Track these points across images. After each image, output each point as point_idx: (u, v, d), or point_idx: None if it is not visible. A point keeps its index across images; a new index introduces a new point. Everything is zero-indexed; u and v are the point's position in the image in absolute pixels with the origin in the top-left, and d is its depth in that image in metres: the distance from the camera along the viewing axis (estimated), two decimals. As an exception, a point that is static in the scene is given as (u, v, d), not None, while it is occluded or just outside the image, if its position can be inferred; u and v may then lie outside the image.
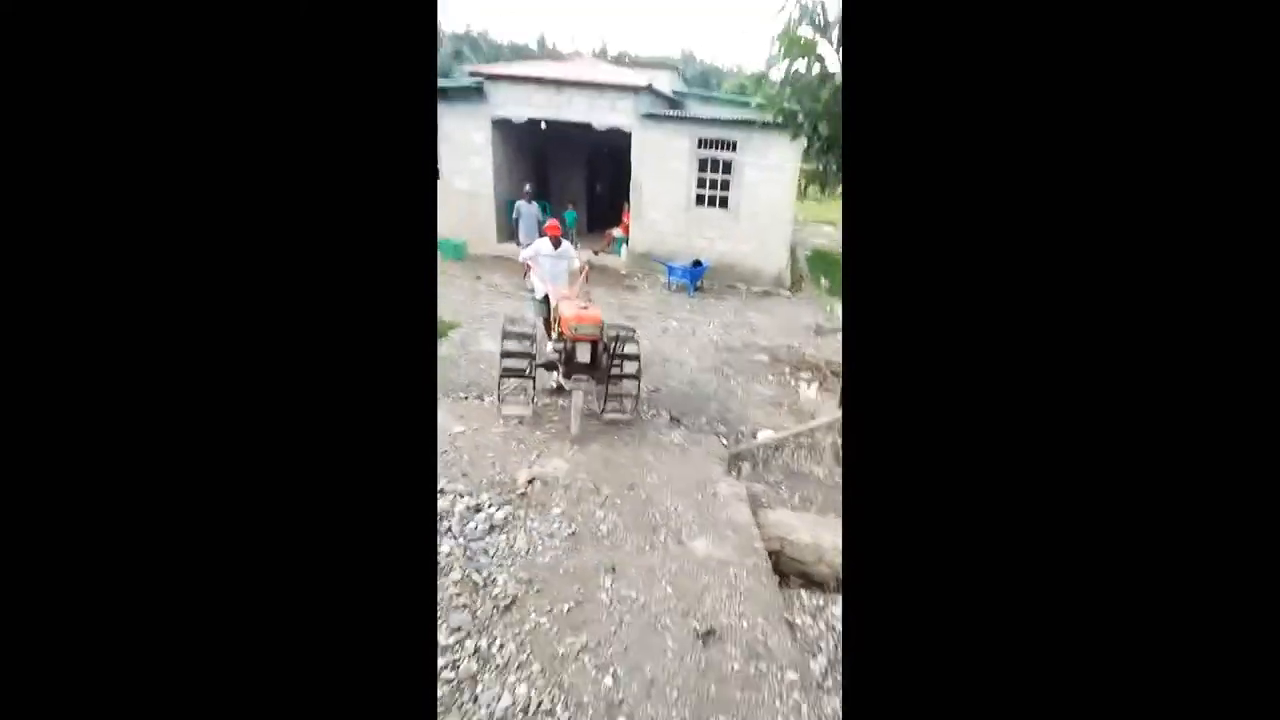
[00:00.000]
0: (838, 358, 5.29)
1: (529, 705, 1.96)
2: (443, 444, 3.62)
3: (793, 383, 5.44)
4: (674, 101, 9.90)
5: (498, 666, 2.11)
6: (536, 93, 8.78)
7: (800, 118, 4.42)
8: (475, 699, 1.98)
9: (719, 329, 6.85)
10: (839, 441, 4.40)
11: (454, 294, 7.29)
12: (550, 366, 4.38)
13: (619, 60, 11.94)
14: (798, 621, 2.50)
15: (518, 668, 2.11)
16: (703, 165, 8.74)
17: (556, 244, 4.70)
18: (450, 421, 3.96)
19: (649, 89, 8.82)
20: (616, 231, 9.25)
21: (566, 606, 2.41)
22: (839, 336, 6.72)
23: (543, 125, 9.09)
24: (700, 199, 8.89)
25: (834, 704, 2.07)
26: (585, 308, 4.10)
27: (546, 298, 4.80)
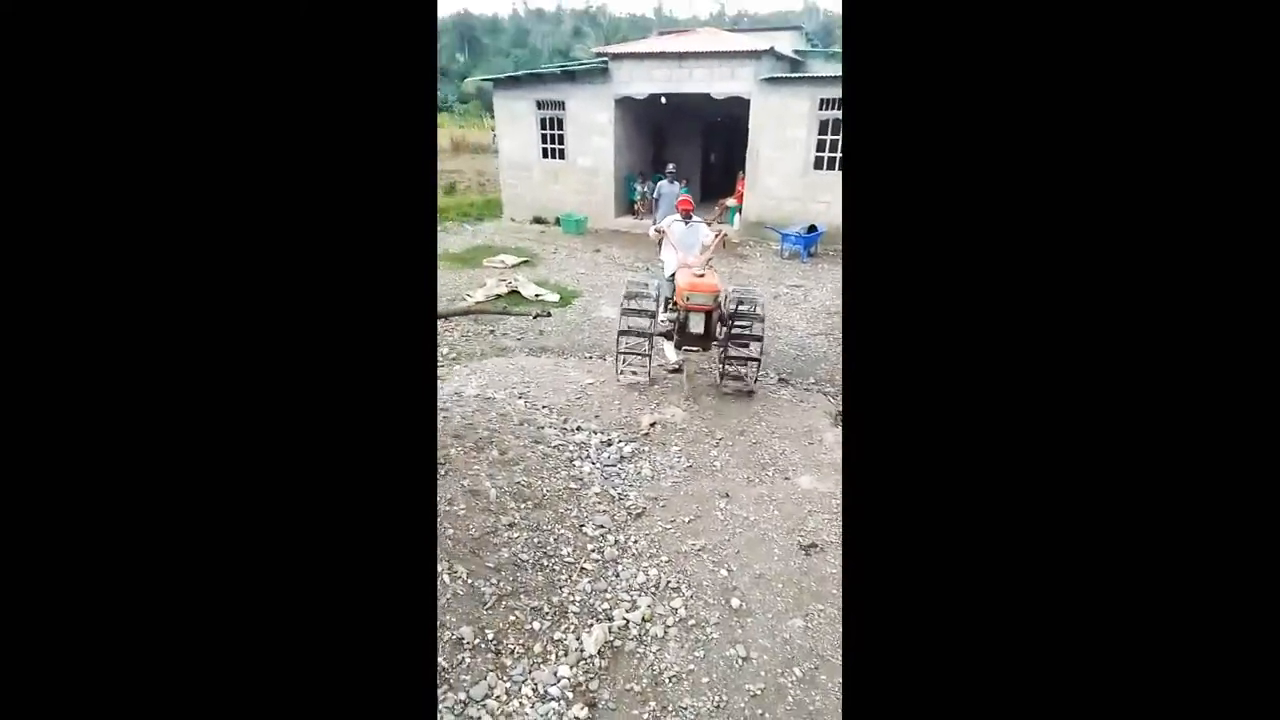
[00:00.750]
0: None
1: (659, 583, 2.51)
2: (575, 393, 4.28)
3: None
4: (795, 62, 9.81)
5: (634, 555, 2.69)
6: (658, 68, 9.18)
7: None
8: (617, 575, 2.56)
9: (831, 294, 6.95)
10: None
11: (576, 266, 8.06)
12: (667, 336, 4.41)
13: (738, 21, 11.92)
14: (893, 546, 2.82)
15: (649, 557, 2.67)
16: (823, 127, 8.67)
17: (687, 219, 4.78)
18: (580, 375, 4.62)
19: (770, 52, 8.87)
20: (730, 201, 9.47)
21: (687, 519, 2.93)
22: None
23: (662, 100, 9.49)
24: (819, 162, 8.85)
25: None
26: (701, 276, 4.11)
27: (674, 276, 4.80)
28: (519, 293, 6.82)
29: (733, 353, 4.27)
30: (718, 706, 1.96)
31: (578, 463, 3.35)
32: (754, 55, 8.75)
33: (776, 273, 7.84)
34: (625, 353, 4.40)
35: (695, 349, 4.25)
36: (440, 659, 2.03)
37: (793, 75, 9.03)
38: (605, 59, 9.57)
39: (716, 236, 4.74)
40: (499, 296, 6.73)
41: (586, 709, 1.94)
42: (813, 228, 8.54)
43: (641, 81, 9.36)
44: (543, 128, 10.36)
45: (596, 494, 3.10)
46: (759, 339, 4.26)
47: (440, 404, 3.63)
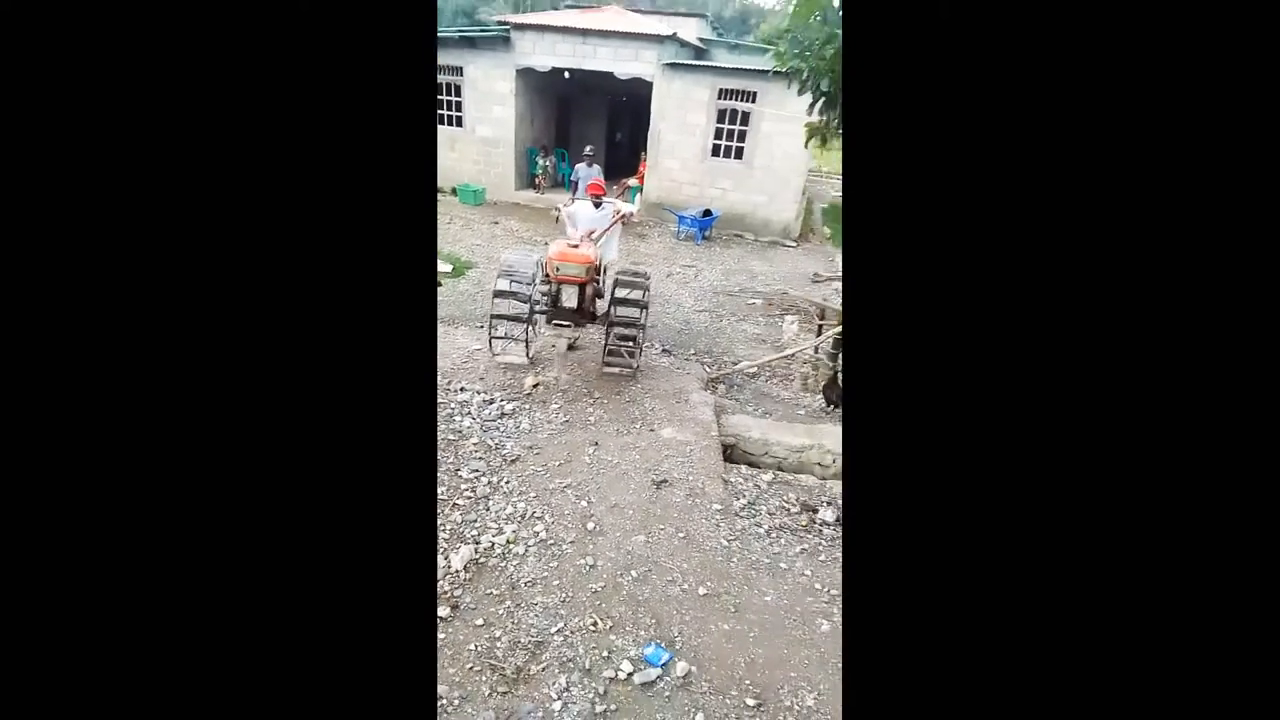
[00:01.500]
0: (829, 302, 5.99)
1: (525, 513, 2.90)
2: (462, 358, 4.53)
3: (780, 323, 6.22)
4: (700, 50, 10.36)
5: (504, 493, 3.05)
6: (561, 42, 9.38)
7: (805, 74, 5.03)
8: (488, 508, 2.92)
9: (720, 275, 7.61)
10: (806, 370, 5.19)
11: (471, 237, 8.17)
12: (543, 312, 4.36)
13: (654, 2, 12.32)
14: (731, 480, 3.38)
15: (519, 494, 3.05)
16: (721, 116, 9.30)
17: (598, 204, 4.71)
18: (469, 342, 4.86)
19: (673, 38, 9.34)
20: (631, 181, 9.90)
21: (557, 463, 3.33)
22: (835, 283, 7.39)
23: (566, 75, 9.70)
24: (716, 149, 9.49)
25: (741, 524, 2.98)
26: (575, 246, 4.04)
27: None
28: (410, 261, 6.86)
29: (615, 334, 4.33)
30: (564, 601, 2.39)
31: (458, 418, 3.65)
32: (657, 39, 9.19)
33: (671, 253, 8.39)
34: (500, 337, 4.37)
35: (567, 324, 4.20)
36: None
37: (695, 63, 9.57)
38: (507, 27, 9.62)
39: (614, 218, 4.73)
40: (388, 264, 6.74)
41: (449, 609, 2.29)
42: (708, 212, 9.18)
43: (544, 54, 9.51)
44: (440, 93, 10.22)
45: (474, 444, 3.42)
46: (641, 327, 4.25)
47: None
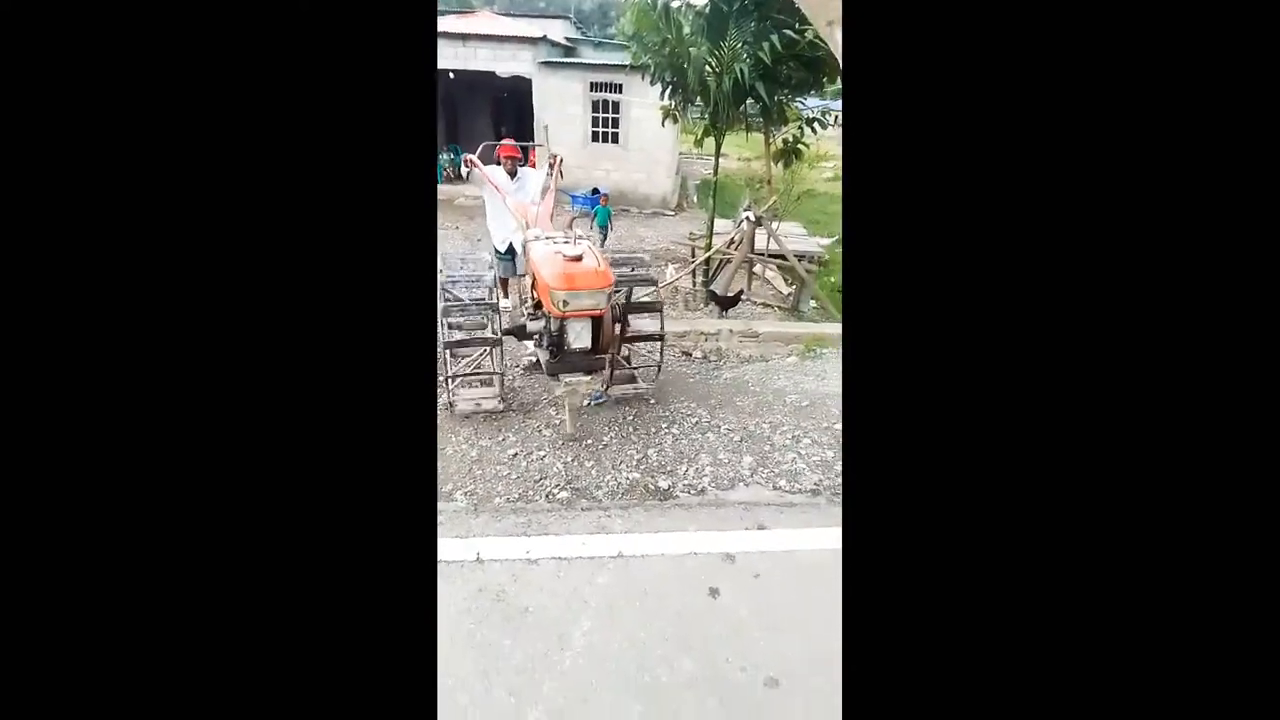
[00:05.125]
0: (701, 253, 7.93)
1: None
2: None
3: (662, 268, 8.18)
4: (568, 48, 12.13)
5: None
6: (444, 46, 10.79)
7: (652, 68, 6.90)
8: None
9: (613, 240, 9.48)
10: (686, 297, 7.15)
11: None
12: (521, 334, 3.43)
13: (512, 4, 13.89)
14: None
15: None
16: (595, 106, 11.15)
17: (513, 173, 4.15)
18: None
19: (544, 39, 11.04)
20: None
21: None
22: (706, 239, 9.51)
23: (450, 75, 11.12)
24: (595, 135, 11.34)
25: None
26: (578, 259, 2.95)
27: (511, 249, 4.18)
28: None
29: (628, 343, 3.35)
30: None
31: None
32: (531, 41, 10.86)
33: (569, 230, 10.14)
34: (457, 353, 3.36)
35: (582, 374, 3.05)
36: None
37: (566, 60, 11.36)
38: (391, 35, 10.85)
39: (551, 170, 4.15)
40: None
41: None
42: (596, 190, 11.03)
43: (430, 58, 10.87)
44: (331, 98, 11.25)
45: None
46: (656, 309, 3.39)
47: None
